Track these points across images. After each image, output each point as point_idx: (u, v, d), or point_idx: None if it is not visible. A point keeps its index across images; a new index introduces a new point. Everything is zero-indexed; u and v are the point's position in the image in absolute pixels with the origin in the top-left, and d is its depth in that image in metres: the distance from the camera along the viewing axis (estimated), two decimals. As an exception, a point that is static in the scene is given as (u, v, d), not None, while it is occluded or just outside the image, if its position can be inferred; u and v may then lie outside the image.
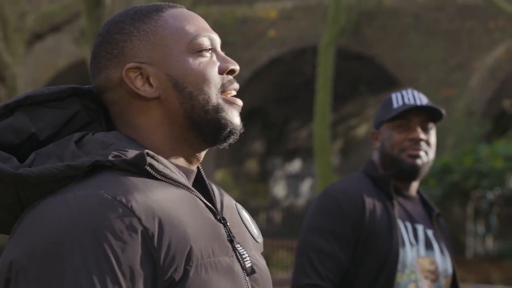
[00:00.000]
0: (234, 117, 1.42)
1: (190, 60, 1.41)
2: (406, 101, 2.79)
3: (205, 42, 1.43)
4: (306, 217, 2.79)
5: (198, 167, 1.47)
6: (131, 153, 1.32)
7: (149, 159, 1.32)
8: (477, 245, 14.56)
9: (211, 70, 1.42)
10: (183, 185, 1.36)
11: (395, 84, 16.59)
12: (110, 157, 1.31)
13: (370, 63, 17.13)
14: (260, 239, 1.52)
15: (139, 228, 1.25)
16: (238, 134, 1.44)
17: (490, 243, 14.58)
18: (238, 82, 1.47)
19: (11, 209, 1.34)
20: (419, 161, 2.77)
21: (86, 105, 1.43)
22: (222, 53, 1.46)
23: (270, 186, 21.10)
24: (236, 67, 1.45)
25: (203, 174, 1.48)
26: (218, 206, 1.45)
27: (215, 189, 1.50)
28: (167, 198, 1.31)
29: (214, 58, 1.44)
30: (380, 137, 2.83)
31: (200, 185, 1.48)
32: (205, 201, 1.39)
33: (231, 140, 1.44)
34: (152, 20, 1.42)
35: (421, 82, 15.59)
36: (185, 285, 1.28)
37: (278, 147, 20.88)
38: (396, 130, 2.79)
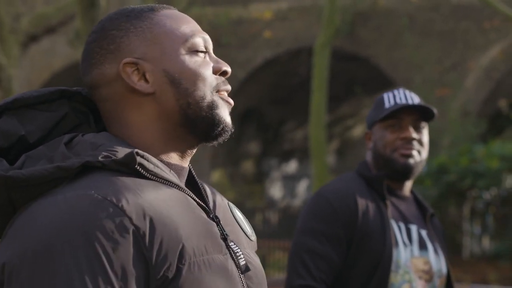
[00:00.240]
0: (227, 115, 1.44)
1: (186, 58, 1.42)
2: (398, 100, 2.79)
3: (200, 42, 1.45)
4: (299, 218, 2.79)
5: (189, 167, 1.47)
6: (121, 153, 1.33)
7: (139, 159, 1.33)
8: (473, 245, 14.55)
9: (206, 69, 1.44)
10: (174, 184, 1.37)
11: (390, 85, 16.57)
12: (100, 158, 1.31)
13: (365, 63, 17.13)
14: (253, 237, 1.52)
15: (130, 228, 1.25)
16: (229, 133, 1.46)
17: (486, 243, 14.57)
18: (233, 83, 1.49)
19: (3, 211, 1.35)
20: (411, 161, 2.77)
21: (75, 107, 1.44)
22: (214, 56, 1.48)
23: (266, 187, 21.08)
24: (229, 69, 1.48)
25: (194, 174, 1.49)
26: (211, 205, 1.46)
27: (207, 188, 1.51)
28: (158, 197, 1.31)
29: (208, 59, 1.46)
30: (373, 137, 2.83)
31: (191, 184, 1.48)
32: (197, 200, 1.40)
33: (222, 139, 1.46)
34: (148, 18, 1.44)
35: (416, 83, 15.59)
36: (178, 283, 1.28)
37: (274, 148, 20.86)
38: (388, 130, 2.79)
